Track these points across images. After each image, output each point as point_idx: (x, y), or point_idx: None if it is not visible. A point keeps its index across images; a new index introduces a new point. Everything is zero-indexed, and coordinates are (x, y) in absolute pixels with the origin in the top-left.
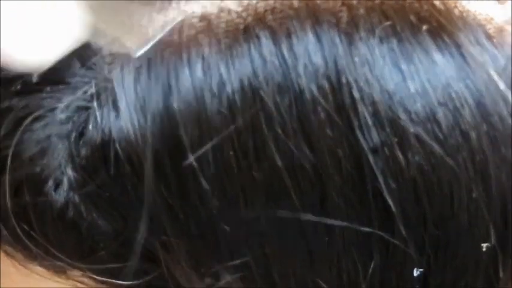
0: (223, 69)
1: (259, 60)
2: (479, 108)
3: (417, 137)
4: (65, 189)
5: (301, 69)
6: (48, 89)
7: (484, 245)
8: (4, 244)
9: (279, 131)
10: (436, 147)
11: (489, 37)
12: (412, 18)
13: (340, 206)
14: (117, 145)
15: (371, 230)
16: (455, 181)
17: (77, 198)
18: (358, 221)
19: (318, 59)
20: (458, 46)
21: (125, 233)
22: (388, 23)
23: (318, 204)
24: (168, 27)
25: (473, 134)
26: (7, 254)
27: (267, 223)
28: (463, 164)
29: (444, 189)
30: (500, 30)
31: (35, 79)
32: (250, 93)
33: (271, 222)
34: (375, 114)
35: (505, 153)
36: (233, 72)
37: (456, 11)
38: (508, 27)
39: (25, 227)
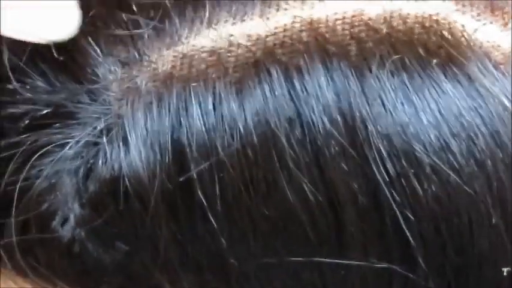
0: (233, 104)
1: (270, 94)
2: (493, 136)
3: (432, 167)
4: (72, 225)
5: (313, 103)
6: (57, 124)
7: (505, 269)
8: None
9: (291, 165)
10: (452, 177)
11: (497, 64)
12: (421, 50)
13: (358, 240)
14: (126, 181)
15: (389, 265)
16: (473, 209)
17: (83, 234)
18: (377, 254)
19: (329, 94)
20: (467, 76)
21: (130, 268)
22: (396, 56)
23: (334, 239)
24: (178, 62)
25: (488, 162)
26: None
27: (277, 258)
28: (481, 191)
29: (463, 218)
30: (508, 56)
31: (43, 114)
32: (262, 127)
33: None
34: (390, 146)
35: None
36: (244, 106)
37: (463, 40)
38: None
39: (31, 260)
